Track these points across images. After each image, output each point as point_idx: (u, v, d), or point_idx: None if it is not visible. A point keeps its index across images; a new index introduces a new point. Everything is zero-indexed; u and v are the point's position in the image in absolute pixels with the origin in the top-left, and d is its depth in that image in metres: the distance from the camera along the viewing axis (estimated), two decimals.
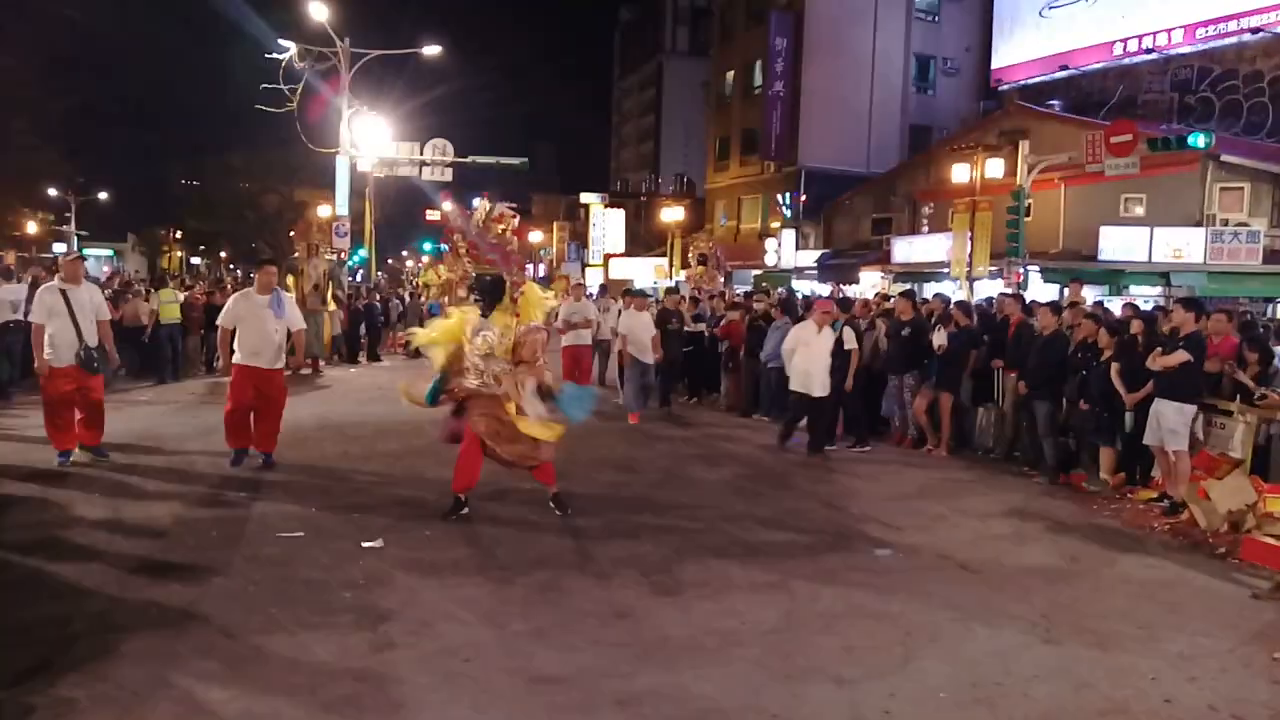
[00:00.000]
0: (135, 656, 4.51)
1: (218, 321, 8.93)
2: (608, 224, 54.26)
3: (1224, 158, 22.92)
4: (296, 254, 19.10)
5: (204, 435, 10.23)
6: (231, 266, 68.86)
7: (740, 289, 26.94)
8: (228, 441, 8.77)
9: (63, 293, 8.58)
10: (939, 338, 10.80)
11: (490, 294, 7.24)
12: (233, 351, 8.69)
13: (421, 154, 27.33)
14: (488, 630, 5.02)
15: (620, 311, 14.24)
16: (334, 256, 21.93)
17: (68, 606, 5.13)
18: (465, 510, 7.19)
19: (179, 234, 69.42)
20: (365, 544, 6.43)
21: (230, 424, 8.71)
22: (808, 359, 10.38)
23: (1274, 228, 22.51)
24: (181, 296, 17.46)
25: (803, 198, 36.80)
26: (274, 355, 8.71)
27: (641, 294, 13.92)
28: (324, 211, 26.10)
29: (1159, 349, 8.43)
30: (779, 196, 37.52)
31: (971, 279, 22.78)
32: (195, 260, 71.49)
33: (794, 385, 10.55)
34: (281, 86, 23.51)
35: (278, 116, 23.90)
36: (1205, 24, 28.67)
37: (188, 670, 4.40)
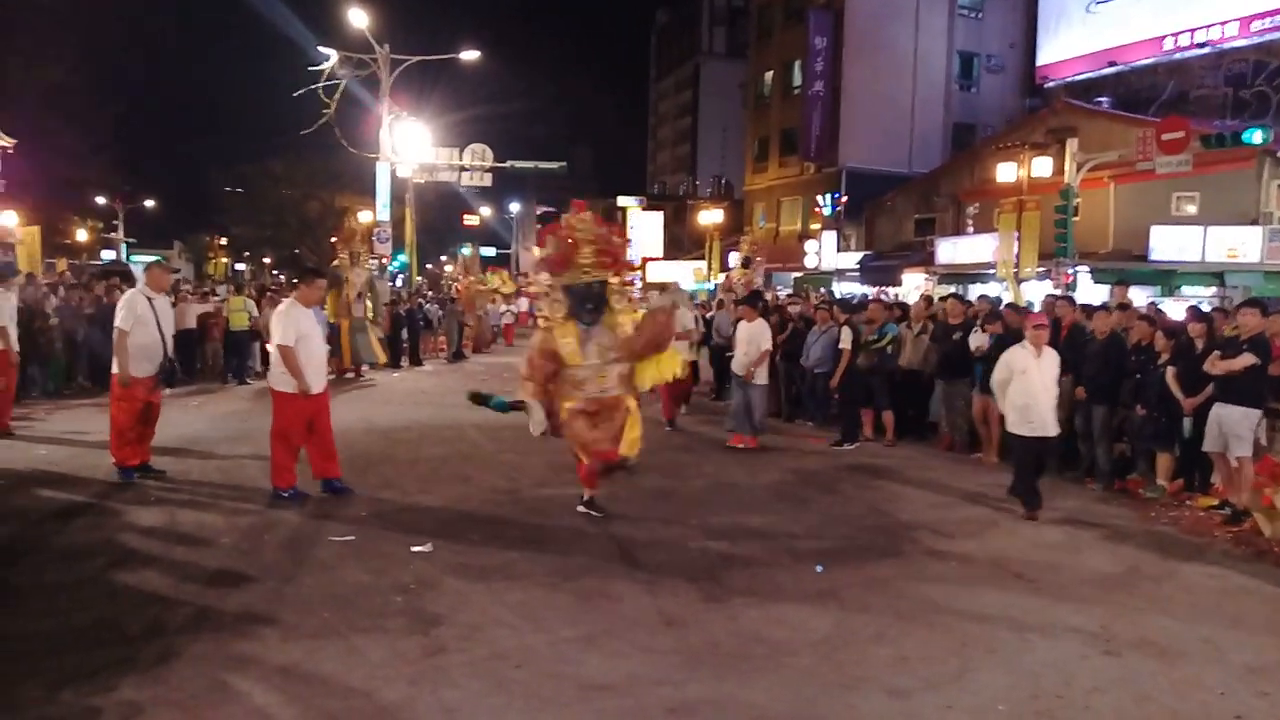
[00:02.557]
0: (193, 660, 4.57)
1: (279, 340, 7.63)
2: (645, 227, 54.21)
3: None
4: (337, 262, 19.26)
5: (256, 440, 10.31)
6: (275, 273, 69.75)
7: (782, 291, 26.78)
8: (278, 481, 7.74)
9: (149, 301, 8.31)
10: (977, 339, 10.64)
11: (600, 301, 7.28)
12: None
13: (461, 159, 27.47)
14: (537, 636, 5.01)
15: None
16: (374, 264, 22.10)
17: (126, 611, 5.20)
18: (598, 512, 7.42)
19: (223, 240, 70.46)
20: (415, 548, 6.45)
21: (281, 459, 7.74)
22: (1027, 391, 8.04)
23: None
24: (253, 307, 17.54)
25: (843, 198, 36.47)
26: (324, 373, 8.09)
27: (755, 300, 12.41)
28: (365, 217, 26.31)
29: (1218, 352, 8.21)
30: (819, 197, 37.23)
31: (1019, 280, 22.41)
32: (240, 266, 72.48)
33: (1013, 426, 8.21)
34: (320, 94, 23.70)
35: (319, 125, 24.14)
36: (1261, 16, 27.91)
37: (244, 673, 4.44)
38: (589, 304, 7.23)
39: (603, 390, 7.18)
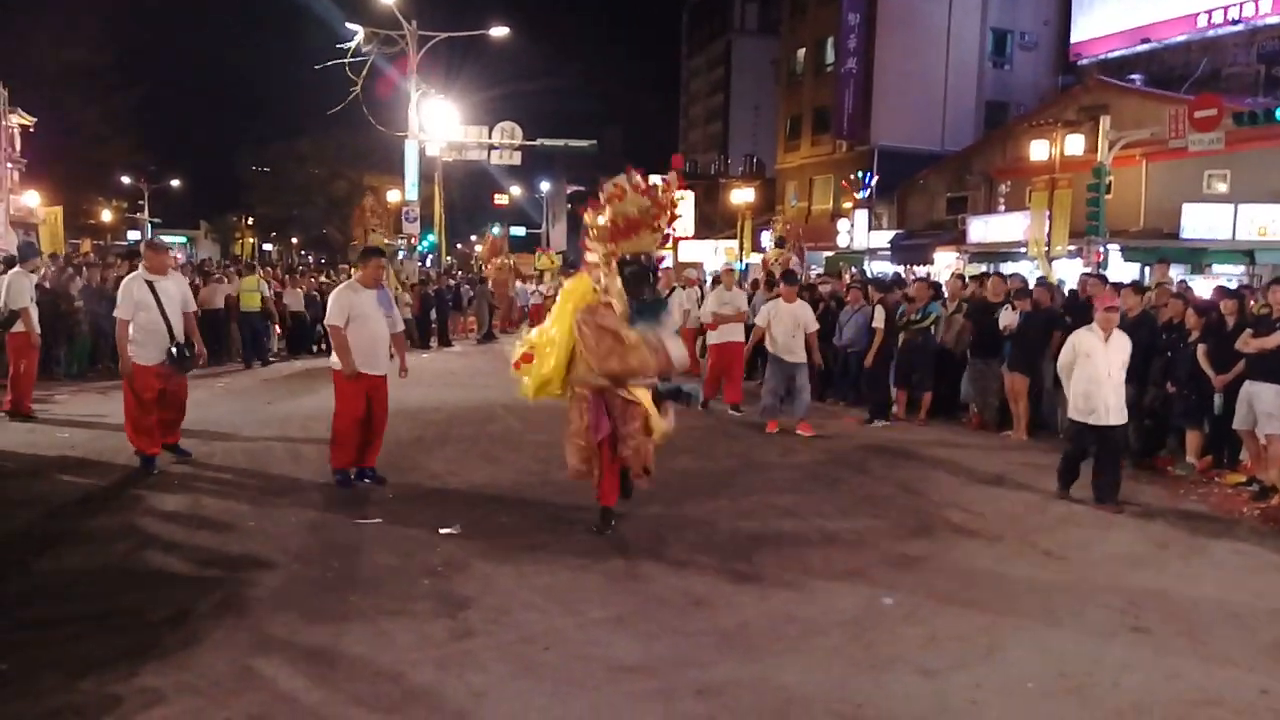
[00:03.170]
0: (216, 645, 4.57)
1: (327, 320, 7.73)
2: (678, 206, 54.00)
3: None
4: (355, 241, 19.48)
5: (280, 422, 10.46)
6: (303, 253, 70.15)
7: (814, 270, 26.65)
8: (335, 460, 7.63)
9: (150, 284, 7.88)
10: (1006, 318, 10.59)
11: (652, 276, 6.61)
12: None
13: (490, 137, 27.48)
14: (565, 618, 5.04)
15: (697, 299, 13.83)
16: (396, 242, 22.18)
17: (149, 596, 5.20)
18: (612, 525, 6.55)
19: (250, 220, 70.92)
20: (442, 530, 6.50)
21: (343, 441, 7.56)
22: (1091, 377, 7.53)
23: None
24: (266, 286, 17.58)
25: (875, 177, 36.19)
26: (385, 360, 7.70)
27: (791, 278, 11.89)
28: (394, 196, 26.44)
29: (1250, 330, 8.14)
30: (852, 176, 36.96)
31: (1050, 258, 22.19)
32: (267, 246, 72.97)
33: (1074, 412, 7.78)
34: (348, 71, 23.73)
35: (346, 102, 24.20)
36: None
37: (269, 658, 4.45)
38: (650, 275, 6.55)
39: (654, 370, 6.43)
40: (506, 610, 5.11)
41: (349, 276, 19.49)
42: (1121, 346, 7.66)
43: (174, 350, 7.89)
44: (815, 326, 10.70)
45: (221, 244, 71.84)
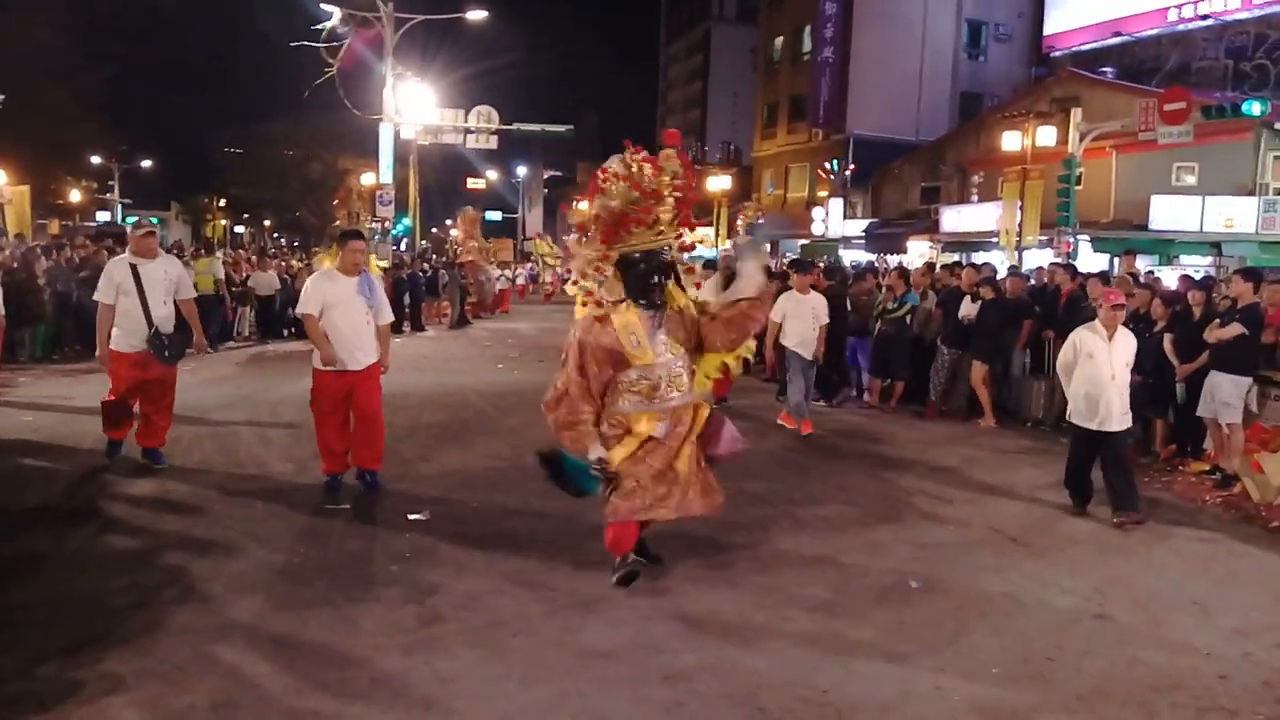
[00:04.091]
0: (180, 631, 4.53)
1: (299, 310, 7.10)
2: None
3: (1279, 126, 22.21)
4: (338, 222, 19.27)
5: (248, 406, 10.38)
6: (275, 235, 69.42)
7: (789, 257, 26.70)
8: (323, 465, 7.14)
9: (133, 268, 7.43)
10: (964, 308, 10.72)
11: (669, 273, 5.26)
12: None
13: (466, 121, 27.29)
14: (536, 604, 5.03)
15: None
16: (376, 225, 22.02)
17: (112, 581, 5.15)
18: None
19: (222, 202, 70.12)
20: (411, 516, 6.47)
21: (322, 446, 7.07)
22: (1093, 379, 6.93)
23: None
24: (220, 269, 17.14)
25: (851, 166, 36.31)
26: (369, 352, 6.99)
27: (804, 267, 11.05)
28: (368, 179, 26.21)
29: (1216, 320, 8.28)
30: (827, 164, 37.08)
31: (1021, 249, 22.39)
32: (239, 229, 72.18)
33: (1074, 416, 7.19)
34: (323, 53, 23.45)
35: (320, 83, 23.91)
36: None
37: (233, 645, 4.41)
38: (658, 278, 5.17)
39: (681, 396, 5.23)
40: (475, 596, 5.10)
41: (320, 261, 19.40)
42: (1126, 346, 7.05)
43: (153, 339, 7.41)
44: (827, 318, 10.09)
45: (193, 226, 70.96)
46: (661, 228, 5.20)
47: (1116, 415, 6.91)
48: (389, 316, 7.35)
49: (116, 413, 7.62)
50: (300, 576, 5.32)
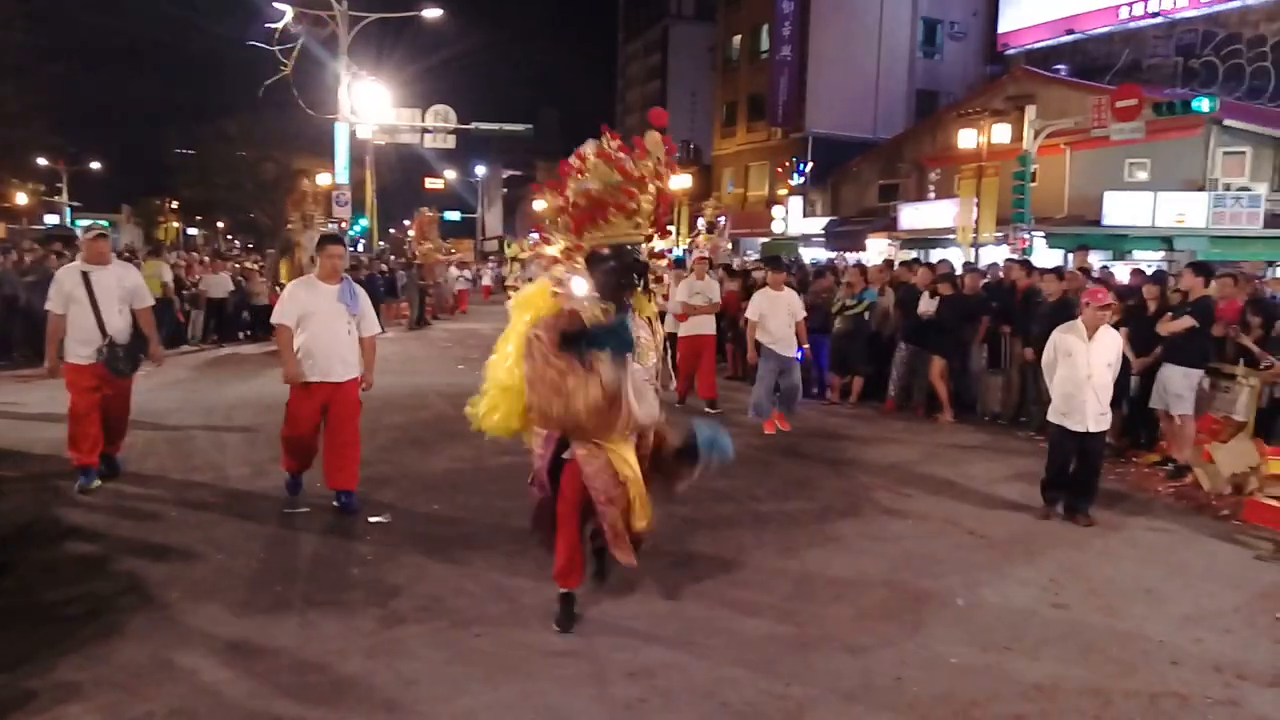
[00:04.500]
0: (137, 638, 4.47)
1: (274, 319, 6.54)
2: None
3: (1227, 122, 22.71)
4: (291, 225, 18.94)
5: (203, 411, 10.23)
6: (230, 237, 68.43)
7: (750, 255, 26.83)
8: (283, 462, 6.76)
9: (84, 275, 6.97)
10: (923, 304, 10.85)
11: (638, 273, 4.66)
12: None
13: (423, 120, 27.10)
14: (499, 604, 5.02)
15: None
16: (331, 226, 21.74)
17: (68, 588, 5.08)
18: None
19: (174, 204, 68.99)
20: (372, 519, 6.42)
21: (287, 447, 6.68)
22: (1072, 378, 6.83)
23: (1275, 192, 22.39)
24: (168, 272, 16.73)
25: (810, 164, 36.54)
26: (350, 364, 6.55)
27: (778, 264, 10.88)
28: (323, 180, 25.89)
29: (1169, 314, 8.44)
30: (787, 163, 37.29)
31: (977, 245, 22.69)
32: (192, 230, 71.06)
33: (1053, 415, 7.09)
34: (276, 53, 23.14)
35: (274, 82, 23.58)
36: None
37: (192, 651, 4.36)
38: (631, 277, 4.61)
39: (649, 414, 4.65)
40: (438, 598, 5.08)
41: (278, 261, 19.02)
42: (1107, 346, 6.86)
43: (105, 350, 6.95)
44: (804, 314, 9.99)
45: (145, 228, 69.75)
46: (640, 220, 4.63)
47: (1093, 415, 6.81)
48: (375, 328, 6.82)
49: (83, 432, 6.97)
50: (259, 581, 5.26)
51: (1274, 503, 6.98)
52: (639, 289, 4.69)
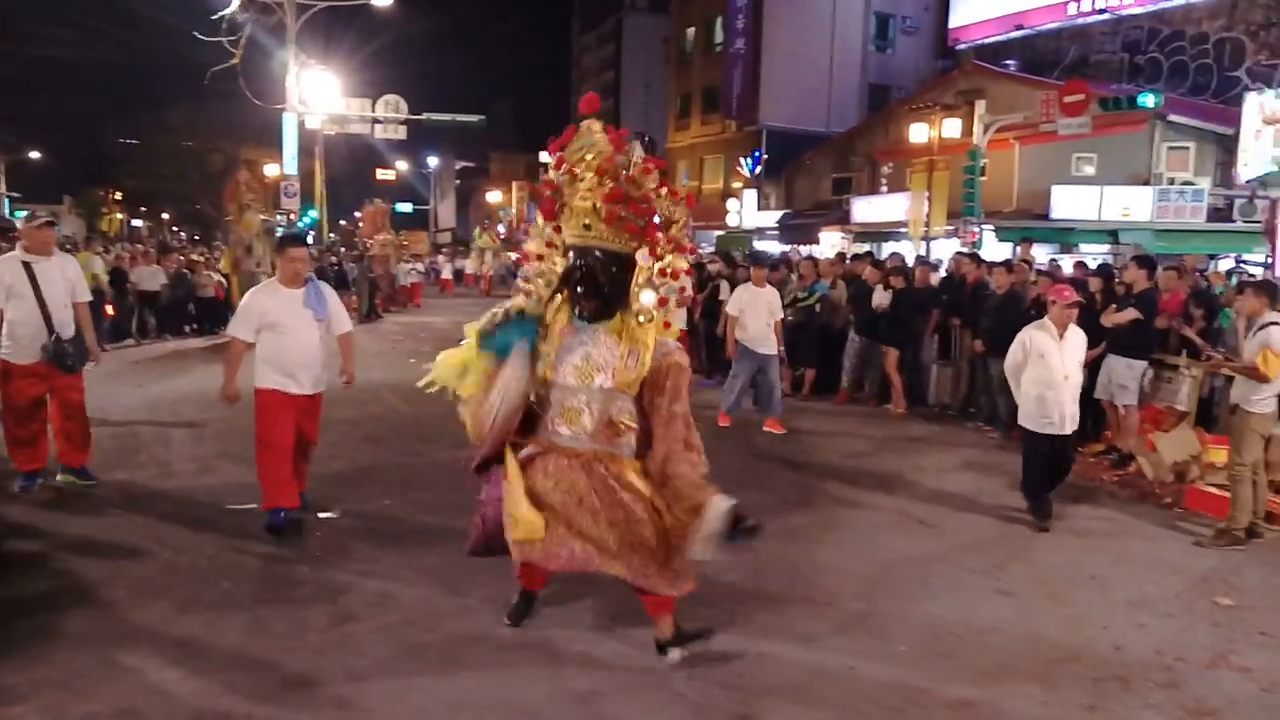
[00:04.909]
0: (80, 638, 4.38)
1: (230, 330, 6.14)
2: None
3: (1171, 118, 23.21)
4: (229, 217, 18.48)
5: (147, 407, 10.03)
6: (175, 228, 67.17)
7: (705, 248, 26.86)
8: (266, 500, 6.00)
9: (26, 266, 6.54)
10: (878, 297, 10.96)
11: (602, 284, 4.12)
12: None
13: (374, 110, 26.79)
14: (450, 600, 4.99)
15: None
16: (270, 217, 21.33)
17: (6, 587, 4.96)
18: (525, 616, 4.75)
19: (118, 195, 67.51)
20: (322, 514, 6.34)
21: (267, 475, 5.97)
22: (1046, 380, 6.60)
23: (1217, 186, 22.90)
24: (99, 265, 16.05)
25: (764, 157, 36.70)
26: (318, 373, 6.16)
27: (762, 260, 10.83)
28: (271, 170, 25.48)
29: (1114, 306, 8.60)
30: (741, 156, 37.44)
31: (928, 239, 22.95)
32: (137, 222, 69.64)
33: (1025, 419, 6.83)
34: (224, 42, 22.75)
35: (220, 70, 23.16)
36: None
37: (137, 650, 4.28)
38: (579, 286, 4.14)
39: (574, 436, 4.15)
40: (389, 594, 5.03)
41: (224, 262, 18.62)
42: (1078, 345, 6.78)
43: (52, 345, 6.53)
44: (781, 314, 9.88)
45: (88, 219, 68.19)
46: (587, 220, 4.08)
47: (1069, 418, 6.67)
48: (346, 325, 6.47)
49: (20, 438, 6.65)
50: (206, 578, 5.17)
51: (1214, 490, 7.13)
52: (622, 298, 4.16)
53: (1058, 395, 6.58)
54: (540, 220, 4.38)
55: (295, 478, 6.15)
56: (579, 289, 4.12)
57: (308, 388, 6.05)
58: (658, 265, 4.20)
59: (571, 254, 4.15)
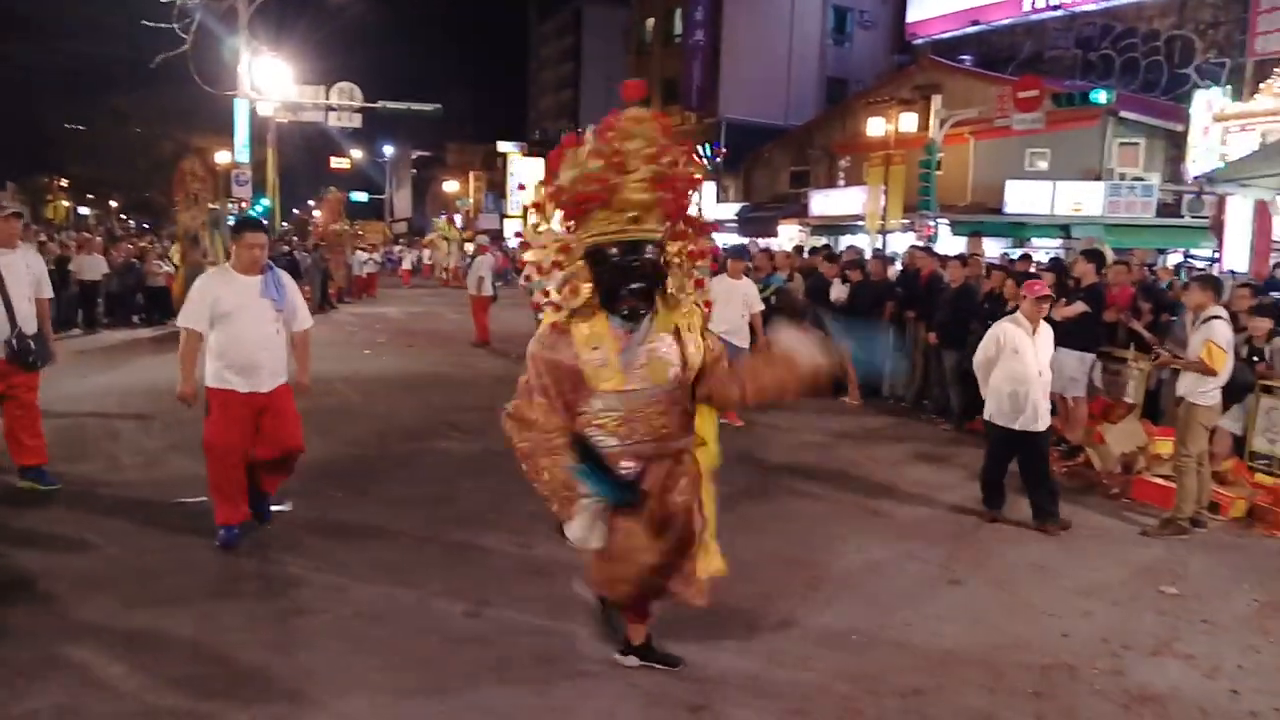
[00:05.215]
0: (21, 634, 4.29)
1: (180, 321, 5.57)
2: (527, 174, 53.56)
3: (1123, 114, 23.62)
4: (177, 205, 18.10)
5: (94, 399, 9.83)
6: (124, 217, 65.92)
7: None
8: (217, 515, 5.56)
9: None
10: (836, 290, 11.04)
11: (653, 278, 3.84)
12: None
13: (328, 98, 26.41)
14: (403, 593, 4.95)
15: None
16: (219, 206, 20.95)
17: None
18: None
19: (64, 182, 66.01)
20: (273, 507, 6.24)
21: (217, 485, 5.52)
22: (1019, 376, 6.48)
23: (1167, 182, 23.36)
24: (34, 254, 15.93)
25: (723, 149, 36.79)
26: (276, 368, 5.61)
27: (740, 253, 10.54)
28: (223, 158, 25.03)
29: (1064, 300, 8.72)
30: (700, 148, 37.47)
31: (885, 232, 23.15)
32: (84, 210, 68.16)
33: (994, 415, 6.68)
34: (177, 30, 22.28)
35: (171, 56, 22.65)
36: None
37: (80, 646, 4.20)
38: (635, 283, 3.77)
39: (656, 434, 3.86)
40: (341, 588, 4.98)
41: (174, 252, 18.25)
42: (1049, 339, 6.71)
43: (14, 342, 6.27)
44: (760, 306, 9.71)
45: (32, 207, 66.52)
46: (635, 213, 3.76)
47: (1042, 414, 6.56)
48: (307, 321, 5.89)
49: None
50: (153, 572, 5.08)
51: (1160, 481, 7.27)
52: (667, 295, 3.94)
53: (1030, 391, 6.49)
54: (549, 222, 4.00)
55: (266, 487, 5.77)
56: (634, 286, 3.75)
57: (264, 385, 5.51)
58: (688, 247, 4.04)
59: (612, 251, 3.76)
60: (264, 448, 5.59)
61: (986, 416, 6.80)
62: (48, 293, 6.76)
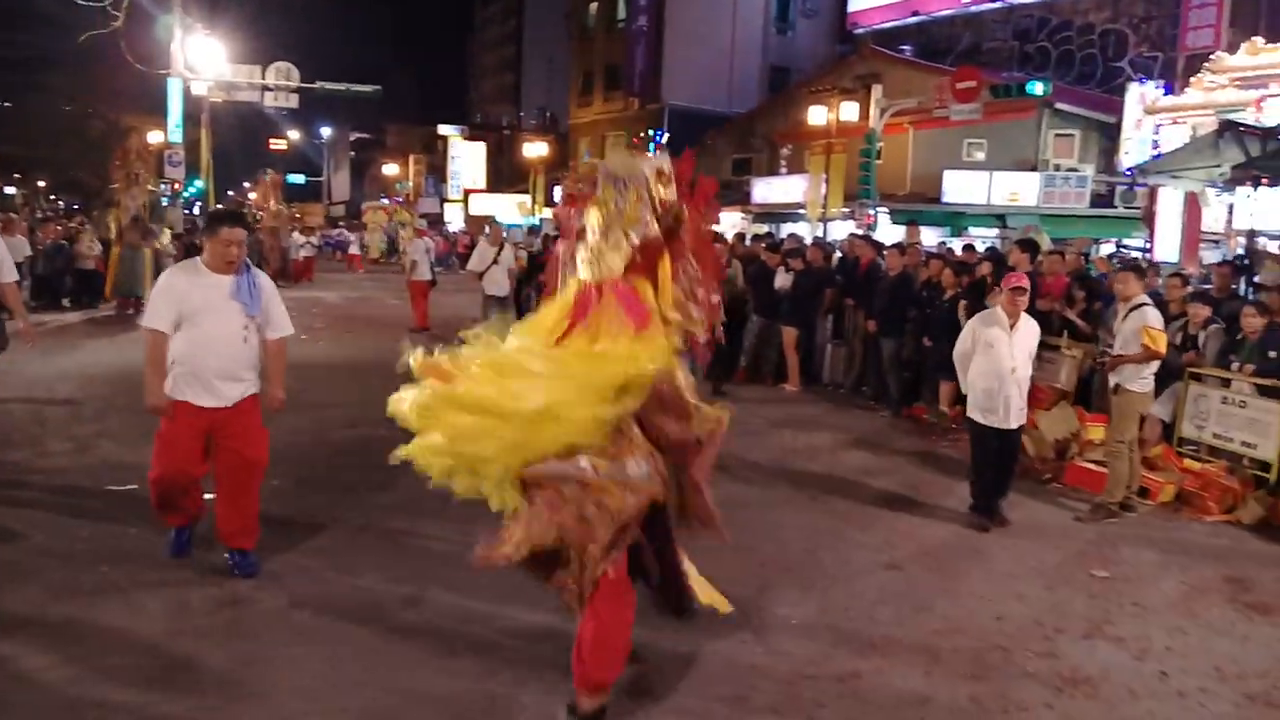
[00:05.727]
0: None
1: (144, 322, 4.90)
2: (468, 158, 53.01)
3: (1058, 106, 24.11)
4: (116, 184, 17.59)
5: (22, 383, 9.52)
6: (52, 197, 63.95)
7: None
8: (161, 517, 5.14)
9: None
10: (780, 279, 11.13)
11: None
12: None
13: (264, 78, 25.85)
14: (342, 582, 4.89)
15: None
16: (156, 188, 20.44)
17: None
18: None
19: None
20: (206, 496, 6.10)
21: (158, 492, 5.00)
22: (994, 371, 6.35)
23: (1100, 173, 23.91)
24: None
25: (666, 135, 36.76)
26: (243, 381, 4.98)
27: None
28: (155, 138, 24.36)
29: (998, 289, 8.86)
30: (643, 134, 37.43)
31: (826, 220, 23.37)
32: (10, 190, 65.92)
33: (972, 411, 6.60)
34: (108, 7, 21.58)
35: (101, 34, 21.96)
36: None
37: (9, 636, 4.10)
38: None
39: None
40: (277, 576, 4.90)
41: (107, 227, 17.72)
42: (1030, 334, 6.53)
43: None
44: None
45: None
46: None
47: (1015, 411, 6.42)
48: (285, 328, 5.24)
49: None
50: (82, 561, 4.95)
51: (1092, 466, 7.46)
52: None
53: (1004, 387, 6.35)
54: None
55: (226, 520, 4.98)
56: None
57: (228, 399, 4.88)
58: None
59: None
60: (220, 462, 4.95)
61: (968, 414, 6.71)
62: (11, 276, 6.41)
